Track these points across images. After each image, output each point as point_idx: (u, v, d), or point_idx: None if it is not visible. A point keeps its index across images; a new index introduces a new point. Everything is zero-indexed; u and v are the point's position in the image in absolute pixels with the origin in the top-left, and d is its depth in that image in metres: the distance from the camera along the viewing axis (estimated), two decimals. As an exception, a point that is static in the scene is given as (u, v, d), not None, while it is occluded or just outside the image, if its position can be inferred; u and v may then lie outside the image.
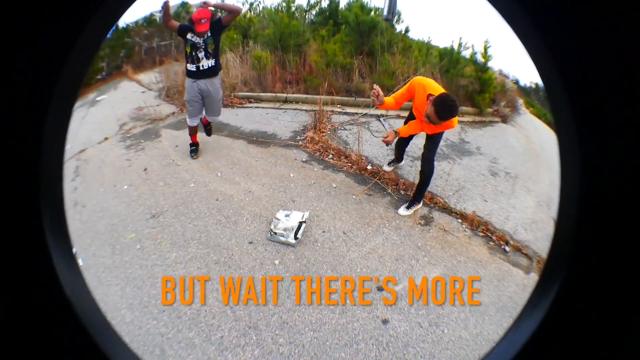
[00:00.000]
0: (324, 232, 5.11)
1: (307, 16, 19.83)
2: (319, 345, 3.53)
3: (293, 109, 10.15)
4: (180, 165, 6.84)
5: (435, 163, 6.08)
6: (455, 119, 5.23)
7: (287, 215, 5.05)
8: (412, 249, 4.96)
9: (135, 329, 3.68)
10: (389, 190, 6.23)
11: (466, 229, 5.65)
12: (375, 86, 5.49)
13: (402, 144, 6.65)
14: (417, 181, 6.01)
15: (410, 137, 6.44)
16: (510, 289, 4.60)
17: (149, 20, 32.62)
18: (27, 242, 0.58)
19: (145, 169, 6.76)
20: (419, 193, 5.95)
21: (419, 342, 3.71)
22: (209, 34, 6.43)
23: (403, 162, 7.11)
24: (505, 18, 0.63)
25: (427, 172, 5.77)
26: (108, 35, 0.75)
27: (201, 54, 6.44)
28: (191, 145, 7.26)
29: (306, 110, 9.89)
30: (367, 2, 17.99)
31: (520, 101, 26.45)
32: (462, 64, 13.78)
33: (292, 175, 6.53)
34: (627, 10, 0.51)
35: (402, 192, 6.38)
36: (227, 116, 9.19)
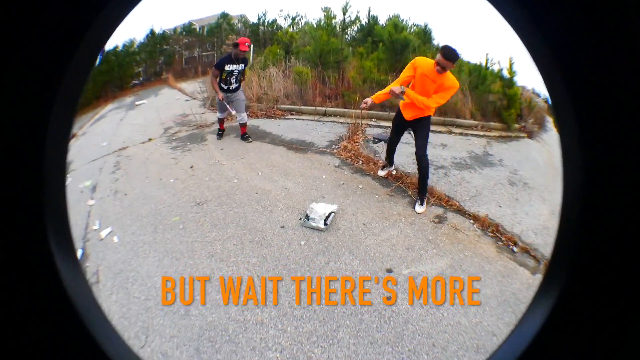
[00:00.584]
0: (347, 222, 5.78)
1: (347, 32, 20.46)
2: (328, 312, 4.06)
3: (331, 122, 10.92)
4: (225, 165, 7.66)
5: (457, 172, 6.80)
6: (450, 75, 5.89)
7: (317, 206, 5.80)
8: (423, 241, 5.49)
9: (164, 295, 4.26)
10: (409, 193, 6.84)
11: (477, 229, 6.10)
12: (365, 100, 6.41)
13: (392, 148, 7.21)
14: (437, 185, 6.68)
15: (398, 141, 7.06)
16: (514, 286, 4.85)
17: (188, 29, 33.21)
18: (29, 242, 0.61)
19: (192, 167, 7.63)
20: (422, 188, 6.45)
21: (418, 321, 4.04)
22: (242, 68, 8.72)
23: (393, 166, 7.58)
24: (508, 21, 0.66)
25: (424, 166, 6.31)
26: (109, 36, 0.73)
27: (233, 79, 8.67)
28: (219, 130, 9.36)
29: (342, 123, 10.63)
30: (404, 20, 18.62)
31: (549, 119, 26.48)
32: (490, 80, 14.14)
33: (324, 176, 7.26)
34: (627, 13, 0.53)
35: (392, 180, 7.19)
36: (270, 126, 10.17)
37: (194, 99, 9.57)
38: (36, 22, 0.55)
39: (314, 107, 12.34)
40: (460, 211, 6.58)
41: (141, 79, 27.42)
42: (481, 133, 12.65)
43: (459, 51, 5.67)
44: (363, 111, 9.97)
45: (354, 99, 11.82)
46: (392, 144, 7.13)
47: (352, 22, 19.57)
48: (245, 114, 9.01)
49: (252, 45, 23.04)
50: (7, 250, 0.59)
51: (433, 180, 7.15)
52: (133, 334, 3.70)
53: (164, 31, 31.30)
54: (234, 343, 3.59)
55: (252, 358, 3.45)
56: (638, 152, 0.56)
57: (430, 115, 6.38)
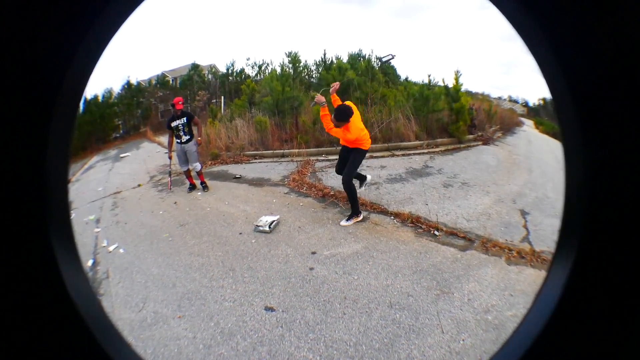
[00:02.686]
0: (286, 227, 7.60)
1: (305, 78, 22.09)
2: (267, 278, 5.72)
3: (287, 161, 12.85)
4: (201, 200, 9.68)
5: (388, 185, 8.20)
6: (356, 126, 7.03)
7: (265, 217, 7.75)
8: (344, 234, 7.13)
9: (158, 277, 6.01)
10: (340, 205, 8.59)
11: (396, 222, 7.60)
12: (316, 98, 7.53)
13: (341, 168, 7.88)
14: (365, 196, 8.14)
15: (345, 164, 7.71)
16: (435, 260, 6.10)
17: (162, 82, 34.11)
18: (32, 243, 0.61)
19: (175, 202, 9.61)
20: (353, 208, 7.68)
21: (332, 283, 5.48)
22: (185, 121, 10.39)
23: (368, 177, 8.54)
24: (511, 21, 0.66)
25: (347, 190, 7.51)
26: (110, 39, 0.69)
27: (181, 133, 10.39)
28: (190, 184, 10.69)
29: (296, 161, 12.43)
30: (366, 55, 20.25)
31: (526, 121, 27.74)
32: (433, 100, 15.08)
33: (274, 200, 9.21)
34: (629, 12, 0.54)
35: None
36: (237, 170, 12.27)
37: (173, 151, 11.27)
38: (39, 22, 0.57)
39: (272, 151, 14.13)
40: (383, 212, 8.07)
41: (121, 131, 28.80)
42: (425, 151, 13.69)
43: (347, 111, 6.91)
44: (309, 150, 11.92)
45: (307, 140, 13.70)
46: (339, 171, 8.02)
47: (305, 68, 21.32)
48: (198, 163, 10.64)
49: (223, 97, 24.62)
50: (9, 250, 0.60)
51: (363, 193, 8.66)
52: (134, 304, 5.26)
53: (139, 82, 32.66)
54: (204, 299, 5.25)
55: (215, 307, 5.06)
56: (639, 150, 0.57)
57: (358, 149, 7.41)
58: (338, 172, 8.04)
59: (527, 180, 10.99)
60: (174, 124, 10.43)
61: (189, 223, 8.18)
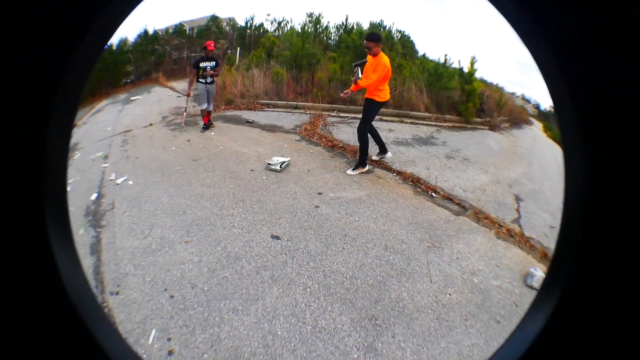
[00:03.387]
0: (296, 169, 8.04)
1: (324, 39, 22.16)
2: (276, 210, 6.11)
3: (300, 113, 13.08)
4: (214, 139, 9.93)
5: (394, 147, 8.46)
6: (384, 64, 7.42)
7: (276, 158, 8.08)
8: (349, 182, 7.54)
9: (168, 205, 6.22)
10: (348, 156, 8.95)
11: (398, 179, 7.98)
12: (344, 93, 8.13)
13: (371, 130, 8.30)
14: (371, 153, 8.31)
15: (369, 123, 8.12)
16: (429, 217, 6.45)
17: (179, 30, 33.85)
18: (30, 240, 0.61)
19: (188, 140, 9.81)
20: (360, 158, 8.01)
21: (335, 220, 5.91)
22: (214, 65, 10.88)
23: (389, 154, 8.81)
24: (509, 21, 0.65)
25: (360, 140, 7.84)
26: (111, 38, 0.69)
27: (207, 75, 10.76)
28: (203, 124, 10.96)
29: (308, 114, 12.69)
30: (387, 26, 20.32)
31: (534, 122, 27.41)
32: (447, 78, 15.32)
33: (286, 145, 9.58)
34: (628, 12, 0.53)
35: (356, 157, 8.69)
36: (250, 115, 12.48)
37: (186, 95, 11.52)
38: (38, 19, 0.56)
39: (287, 102, 14.37)
40: (387, 168, 8.42)
41: (132, 77, 28.50)
42: (433, 123, 13.89)
43: (377, 34, 7.63)
44: (322, 105, 12.14)
45: (322, 95, 13.79)
46: (373, 131, 8.41)
47: (325, 29, 21.38)
48: (212, 104, 11.21)
49: (239, 48, 24.63)
50: (6, 248, 0.60)
51: (370, 150, 8.76)
52: (140, 231, 5.40)
53: (155, 31, 31.46)
54: (213, 225, 5.57)
55: (223, 232, 5.40)
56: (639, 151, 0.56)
57: (369, 99, 7.79)
58: (369, 131, 8.31)
59: (526, 171, 11.09)
60: (202, 64, 10.81)
61: (202, 158, 8.44)
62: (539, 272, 5.46)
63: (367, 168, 8.10)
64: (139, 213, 5.96)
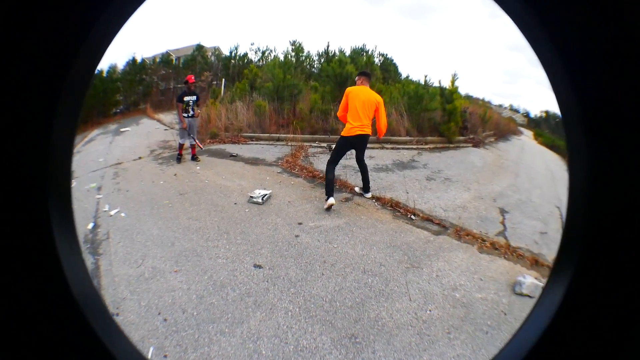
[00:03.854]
0: (277, 201, 8.25)
1: (306, 68, 22.46)
2: (258, 241, 6.33)
3: (282, 145, 13.44)
4: (200, 174, 10.24)
5: (373, 173, 8.93)
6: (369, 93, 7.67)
7: (258, 190, 8.40)
8: (329, 211, 7.77)
9: (157, 237, 6.43)
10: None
11: (377, 205, 8.27)
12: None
13: (364, 172, 8.62)
14: (351, 180, 8.79)
15: (362, 152, 8.30)
16: (408, 239, 6.65)
17: (166, 60, 33.88)
18: (35, 240, 0.62)
19: (175, 174, 10.15)
20: (326, 189, 7.85)
21: (314, 248, 6.12)
22: (195, 99, 11.45)
23: (368, 195, 8.75)
24: (516, 22, 0.66)
25: (325, 171, 7.94)
26: (113, 39, 0.68)
27: (190, 108, 11.36)
28: (178, 155, 11.56)
29: (291, 145, 13.03)
30: (369, 50, 20.66)
31: (529, 133, 27.47)
32: (427, 99, 15.50)
33: (268, 178, 9.88)
34: (633, 14, 0.54)
35: (338, 187, 9.04)
36: (234, 149, 12.88)
37: (172, 128, 11.83)
38: (41, 22, 0.56)
39: (269, 134, 14.72)
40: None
41: (121, 107, 28.61)
42: (414, 147, 14.20)
43: (365, 72, 7.88)
44: (303, 136, 12.43)
45: (302, 126, 14.29)
46: (358, 160, 8.53)
47: (307, 57, 21.69)
48: (195, 138, 11.64)
49: (224, 79, 24.83)
50: (11, 246, 0.60)
51: (348, 177, 9.45)
52: (133, 261, 5.64)
53: (143, 60, 32.04)
54: (200, 256, 5.85)
55: (209, 262, 5.64)
56: None
57: (341, 135, 8.11)
58: (358, 161, 8.52)
59: (512, 183, 11.37)
60: (186, 98, 11.42)
61: (188, 192, 8.72)
62: (529, 279, 5.54)
63: (331, 201, 7.76)
64: (132, 244, 6.24)
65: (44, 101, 0.59)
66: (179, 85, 27.08)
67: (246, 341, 4.08)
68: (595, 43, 0.56)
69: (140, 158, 12.10)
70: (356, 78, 8.01)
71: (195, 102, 11.51)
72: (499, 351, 0.74)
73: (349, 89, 7.83)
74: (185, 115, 11.39)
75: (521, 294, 5.30)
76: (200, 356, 3.86)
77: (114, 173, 10.37)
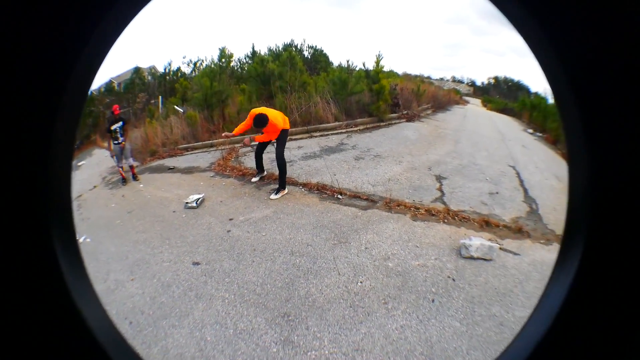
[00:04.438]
0: (211, 202, 8.90)
1: (239, 71, 22.79)
2: (195, 241, 6.96)
3: (214, 150, 14.05)
4: (143, 190, 10.86)
5: (301, 161, 9.37)
6: (273, 124, 8.07)
7: (192, 196, 9.05)
8: (257, 203, 8.53)
9: (115, 253, 6.96)
10: (252, 181, 9.97)
11: (304, 191, 8.94)
12: (224, 134, 9.28)
13: (259, 157, 9.53)
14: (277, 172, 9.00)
15: (262, 150, 9.33)
16: (335, 217, 7.28)
17: (109, 88, 33.56)
18: (34, 244, 0.62)
19: (123, 195, 10.79)
20: (281, 182, 8.65)
21: (244, 240, 6.72)
22: (122, 124, 11.92)
23: (265, 172, 9.93)
24: (513, 22, 0.66)
25: (280, 164, 8.44)
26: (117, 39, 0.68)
27: (118, 135, 11.87)
28: (122, 179, 12.02)
29: (222, 149, 13.85)
30: (297, 45, 21.27)
31: (476, 101, 27.80)
32: (353, 83, 15.95)
33: (202, 183, 10.59)
34: (632, 13, 0.54)
35: (265, 181, 9.91)
36: (172, 162, 13.45)
37: (111, 156, 12.35)
38: (45, 23, 0.56)
39: (202, 142, 15.25)
40: (293, 183, 9.36)
41: (78, 142, 28.69)
42: (343, 131, 14.75)
43: (262, 117, 8.13)
44: (234, 138, 12.44)
45: (232, 129, 14.48)
46: (259, 155, 9.49)
47: (236, 62, 22.04)
48: (131, 158, 12.24)
49: (160, 97, 24.82)
50: (11, 250, 0.60)
51: (274, 170, 9.81)
52: (101, 277, 6.06)
53: (91, 92, 31.81)
54: (148, 263, 6.39)
55: (156, 267, 6.16)
56: None
57: (284, 129, 8.54)
58: (257, 154, 9.57)
59: (451, 150, 11.96)
60: (112, 127, 11.95)
61: (135, 209, 9.31)
62: (475, 241, 5.67)
63: (287, 190, 8.80)
64: (98, 263, 6.68)
65: (44, 108, 0.60)
66: (122, 110, 27.05)
67: (193, 331, 4.56)
68: (594, 44, 0.57)
69: (95, 187, 12.56)
70: (260, 128, 8.43)
71: (122, 127, 12.03)
72: (503, 351, 0.75)
73: (273, 122, 8.36)
74: (115, 142, 11.96)
75: (471, 257, 5.53)
76: (161, 349, 4.29)
77: (77, 205, 10.83)
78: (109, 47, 0.69)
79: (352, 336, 4.19)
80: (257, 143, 9.24)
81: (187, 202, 8.82)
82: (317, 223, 7.11)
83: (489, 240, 5.97)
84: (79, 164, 18.21)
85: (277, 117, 8.38)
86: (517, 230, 6.73)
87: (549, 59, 0.63)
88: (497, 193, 8.28)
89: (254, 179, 9.98)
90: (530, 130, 20.39)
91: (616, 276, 0.62)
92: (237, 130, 8.86)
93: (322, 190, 8.75)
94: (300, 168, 10.32)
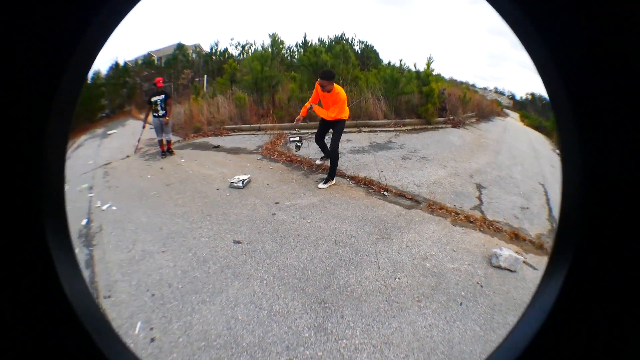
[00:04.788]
0: (256, 184, 8.74)
1: (289, 58, 22.75)
2: (237, 220, 6.81)
3: (262, 134, 13.85)
4: (184, 165, 10.71)
5: (350, 155, 9.24)
6: (343, 99, 7.92)
7: (238, 176, 8.87)
8: (304, 190, 8.33)
9: (146, 224, 6.87)
10: (305, 169, 9.82)
11: (351, 183, 8.76)
12: (297, 117, 8.52)
13: (320, 141, 9.05)
14: (326, 162, 9.06)
15: (323, 134, 8.90)
16: (380, 213, 7.15)
17: (148, 61, 33.73)
18: (28, 242, 0.61)
19: (162, 168, 10.65)
20: (331, 172, 8.50)
21: (289, 224, 6.62)
22: (163, 98, 11.78)
23: (323, 160, 9.65)
24: (508, 22, 0.66)
25: (334, 155, 8.31)
26: (109, 38, 0.67)
27: (159, 107, 11.77)
28: (161, 152, 11.99)
29: (270, 134, 13.54)
30: (349, 39, 21.09)
31: (515, 115, 27.58)
32: (404, 83, 15.76)
33: (248, 165, 10.34)
34: (627, 14, 0.54)
35: (314, 169, 9.80)
36: (217, 141, 13.25)
37: (148, 123, 12.19)
38: (35, 22, 0.56)
39: (250, 125, 15.10)
40: (341, 175, 9.17)
41: (107, 111, 28.44)
42: (392, 129, 14.49)
43: (332, 72, 8.14)
44: (282, 124, 12.75)
45: (281, 115, 14.66)
46: (318, 139, 9.05)
47: (288, 49, 22.04)
48: (170, 135, 12.17)
49: (206, 75, 24.90)
50: (5, 249, 0.59)
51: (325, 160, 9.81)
52: (124, 247, 6.03)
53: (126, 63, 31.88)
54: (184, 237, 6.31)
55: (193, 242, 6.07)
56: (638, 152, 0.57)
57: (342, 119, 8.23)
58: (317, 140, 9.11)
59: (492, 160, 11.79)
60: (153, 99, 11.86)
61: (174, 183, 9.16)
62: (505, 252, 5.73)
63: (335, 181, 8.65)
64: (123, 232, 6.63)
65: (37, 103, 0.59)
66: (152, 87, 26.97)
67: (224, 308, 4.46)
68: (588, 43, 0.57)
69: (127, 156, 12.49)
70: (326, 84, 8.08)
71: (164, 101, 11.88)
72: (494, 350, 0.75)
73: (341, 91, 8.20)
74: (155, 115, 11.84)
75: (499, 267, 5.56)
76: (184, 325, 4.21)
77: (104, 172, 10.76)
78: (104, 41, 0.68)
79: (383, 329, 4.18)
80: (298, 137, 9.44)
81: (232, 182, 8.69)
82: (362, 216, 7.02)
83: (516, 252, 5.93)
84: (109, 132, 18.38)
85: (346, 99, 8.22)
86: (539, 247, 6.71)
87: (543, 58, 0.63)
88: (527, 208, 8.24)
89: (317, 162, 9.93)
90: (558, 152, 20.02)
91: (609, 278, 0.62)
92: (303, 109, 8.53)
93: (369, 185, 8.66)
94: (349, 161, 10.15)
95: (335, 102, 8.04)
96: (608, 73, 0.56)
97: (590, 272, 0.62)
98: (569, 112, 0.60)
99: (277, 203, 7.68)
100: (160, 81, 12.45)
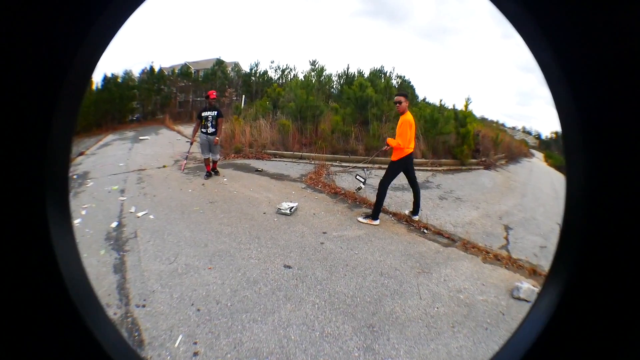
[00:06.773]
0: (303, 212, 8.84)
1: (327, 89, 22.98)
2: (287, 246, 6.87)
3: (305, 163, 14.05)
4: (227, 185, 10.90)
5: (391, 192, 8.89)
6: (407, 130, 7.76)
7: (286, 203, 8.95)
8: (349, 222, 8.35)
9: (190, 239, 6.96)
10: (349, 202, 9.92)
11: (393, 220, 8.83)
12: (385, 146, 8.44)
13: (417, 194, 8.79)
14: (370, 197, 9.13)
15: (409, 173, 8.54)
16: (420, 249, 7.20)
17: (185, 72, 34.04)
18: (31, 238, 0.60)
19: (203, 184, 10.79)
20: (374, 210, 8.42)
21: (337, 254, 6.66)
22: (215, 114, 11.46)
23: (416, 217, 8.90)
24: (513, 23, 0.65)
25: (379, 192, 8.26)
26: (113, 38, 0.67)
27: (209, 124, 11.49)
28: (206, 172, 11.73)
29: (313, 164, 13.66)
30: (388, 72, 21.18)
31: (539, 155, 27.40)
32: (442, 123, 15.89)
33: (293, 192, 10.52)
34: (631, 15, 0.53)
35: (357, 203, 9.93)
36: (259, 164, 13.49)
37: (196, 139, 12.25)
38: (39, 22, 0.55)
39: (292, 152, 15.26)
40: (384, 211, 9.19)
41: (138, 115, 29.24)
42: (429, 168, 14.67)
43: (404, 94, 8.09)
44: (325, 155, 12.67)
45: (325, 146, 14.75)
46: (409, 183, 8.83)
47: (329, 79, 22.22)
48: (218, 155, 12.02)
49: (243, 96, 25.11)
50: (7, 244, 0.59)
51: (367, 195, 10.10)
52: (165, 258, 6.12)
53: (161, 69, 32.79)
54: (233, 256, 6.37)
55: (242, 262, 6.14)
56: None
57: (392, 160, 8.26)
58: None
59: (518, 203, 11.95)
60: (204, 114, 11.58)
61: (218, 201, 9.29)
62: (525, 285, 5.99)
63: (377, 222, 8.40)
64: (163, 243, 6.73)
65: (42, 100, 0.59)
66: (198, 99, 27.38)
67: (277, 328, 4.53)
68: (594, 47, 0.56)
69: (164, 166, 12.70)
70: (399, 99, 8.07)
71: (215, 118, 11.51)
72: (496, 353, 0.74)
73: (411, 120, 8.02)
74: (204, 130, 11.52)
75: (519, 298, 5.79)
76: (233, 341, 4.26)
77: (137, 178, 10.92)
78: (111, 37, 0.68)
79: (422, 350, 4.39)
80: (364, 179, 9.58)
81: (279, 208, 8.80)
82: (404, 251, 7.15)
83: (533, 285, 6.16)
84: (141, 137, 18.55)
85: (409, 127, 8.01)
86: (553, 280, 6.81)
87: (546, 57, 0.62)
88: (545, 247, 8.37)
89: (406, 212, 9.31)
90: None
91: (611, 281, 0.61)
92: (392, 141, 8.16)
93: (410, 223, 8.76)
94: (390, 198, 9.92)
95: (399, 128, 8.06)
96: (614, 75, 0.56)
97: (592, 275, 0.62)
98: (574, 112, 0.59)
99: (324, 233, 7.79)
100: (214, 94, 12.07)
